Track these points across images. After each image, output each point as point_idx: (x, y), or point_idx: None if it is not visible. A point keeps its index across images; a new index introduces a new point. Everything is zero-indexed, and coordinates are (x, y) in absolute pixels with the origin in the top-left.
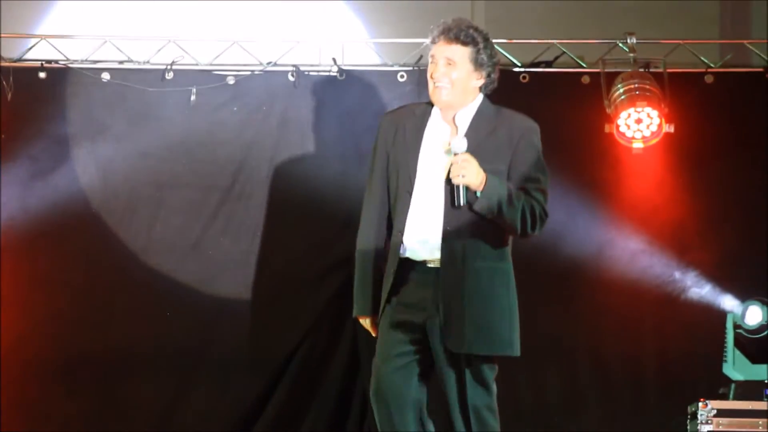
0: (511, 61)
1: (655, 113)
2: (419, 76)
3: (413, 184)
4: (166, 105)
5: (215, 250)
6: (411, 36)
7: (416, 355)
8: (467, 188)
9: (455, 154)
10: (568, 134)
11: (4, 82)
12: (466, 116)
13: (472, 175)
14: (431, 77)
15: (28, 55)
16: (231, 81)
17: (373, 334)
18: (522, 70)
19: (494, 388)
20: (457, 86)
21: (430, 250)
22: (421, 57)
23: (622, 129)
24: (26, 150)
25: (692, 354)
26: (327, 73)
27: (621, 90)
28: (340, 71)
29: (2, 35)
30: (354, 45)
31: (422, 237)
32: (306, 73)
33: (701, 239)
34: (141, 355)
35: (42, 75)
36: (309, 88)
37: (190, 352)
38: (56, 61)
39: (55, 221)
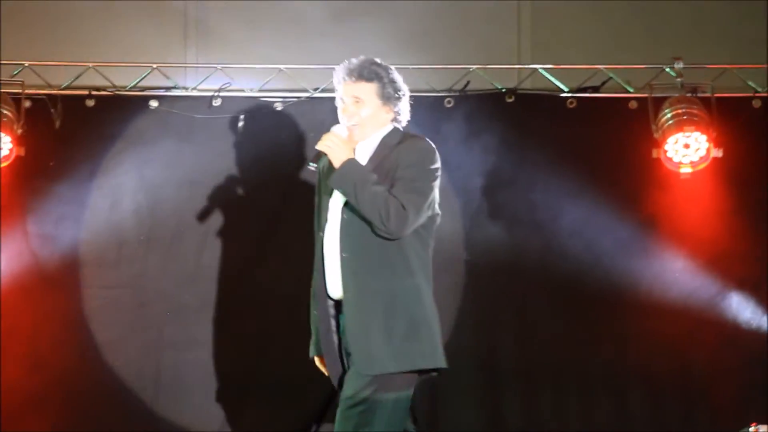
0: (558, 86)
1: (703, 138)
2: (466, 102)
3: (323, 225)
4: (213, 132)
5: (265, 276)
6: (458, 62)
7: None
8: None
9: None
10: (615, 159)
11: (53, 110)
12: (367, 148)
13: (336, 149)
14: (342, 117)
15: (75, 83)
16: (278, 107)
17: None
18: (569, 95)
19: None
20: (368, 123)
21: (337, 283)
22: (468, 83)
23: (670, 154)
24: (75, 177)
25: (743, 377)
26: None
27: (669, 115)
28: None
29: (51, 63)
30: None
31: (331, 275)
32: None
33: (749, 263)
34: (191, 379)
35: (90, 103)
36: None
37: (241, 377)
38: (104, 89)
39: (104, 248)
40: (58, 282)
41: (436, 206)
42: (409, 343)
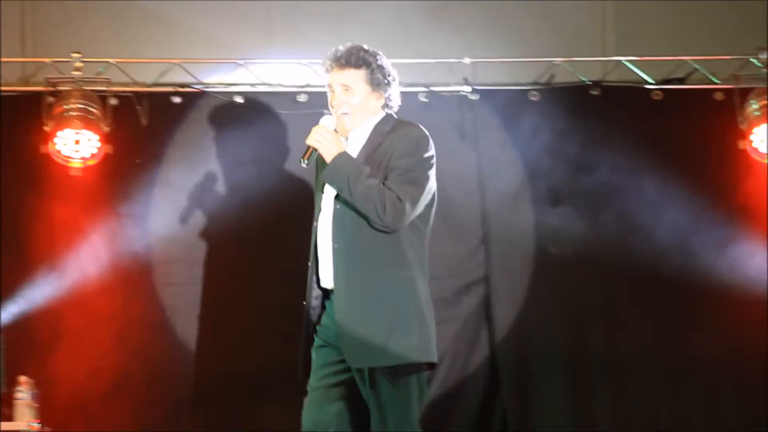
0: (643, 78)
1: None
2: (551, 95)
3: (317, 214)
4: (298, 128)
5: None
6: (542, 55)
7: (337, 380)
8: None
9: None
10: (701, 151)
11: (139, 108)
12: (359, 137)
13: (326, 143)
14: (331, 106)
15: (161, 80)
16: None
17: None
18: (654, 87)
19: (407, 399)
20: (358, 110)
21: (329, 274)
22: (553, 76)
23: (756, 145)
24: (162, 175)
25: None
26: (459, 93)
27: (755, 106)
28: (473, 90)
29: (137, 60)
30: (486, 64)
31: (324, 265)
32: (438, 93)
33: None
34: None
35: (176, 99)
36: (441, 108)
37: None
38: (190, 85)
39: (194, 245)
40: (143, 277)
41: (434, 195)
42: (399, 337)
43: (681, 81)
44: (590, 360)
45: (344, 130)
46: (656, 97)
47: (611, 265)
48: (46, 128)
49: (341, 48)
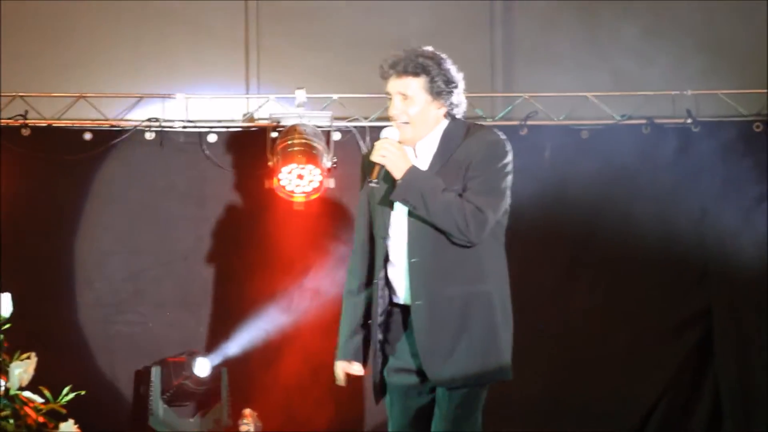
0: None
1: None
2: None
3: (388, 228)
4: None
5: (569, 300)
6: (762, 86)
7: (423, 401)
8: (389, 175)
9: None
10: None
11: (361, 142)
12: (429, 146)
13: (393, 158)
14: (390, 115)
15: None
16: (585, 135)
17: (339, 379)
18: None
19: (478, 420)
20: (418, 120)
21: (404, 288)
22: None
23: None
24: None
25: None
26: (681, 125)
27: None
28: (695, 122)
29: (359, 95)
30: (705, 96)
31: (397, 280)
32: (661, 125)
33: None
34: None
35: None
36: (664, 140)
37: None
38: None
39: None
40: None
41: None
42: (480, 357)
43: None
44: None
45: (405, 141)
46: None
47: None
48: (270, 163)
49: (400, 52)
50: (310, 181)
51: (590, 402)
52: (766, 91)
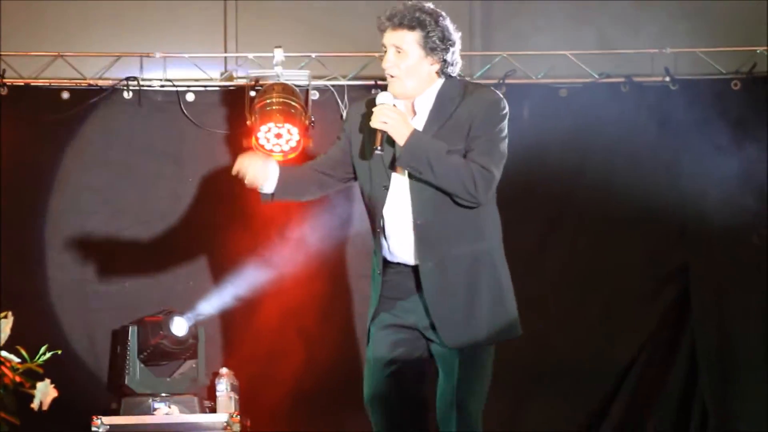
0: None
1: None
2: (753, 84)
3: (390, 178)
4: None
5: (552, 261)
6: (742, 44)
7: (410, 356)
8: (391, 140)
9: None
10: None
11: (340, 101)
12: (425, 103)
13: (394, 123)
14: (384, 69)
15: (361, 73)
16: (563, 93)
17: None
18: None
19: (489, 375)
20: (410, 75)
21: (408, 249)
22: (755, 64)
23: None
24: None
25: None
26: (660, 83)
27: None
28: (673, 81)
29: (335, 54)
30: (688, 54)
31: (399, 242)
32: (639, 83)
33: None
34: None
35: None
36: (642, 98)
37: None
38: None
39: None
40: (336, 271)
41: None
42: (494, 316)
43: None
44: None
45: (394, 93)
46: None
47: None
48: (248, 122)
49: (399, 5)
50: (288, 140)
51: (567, 361)
52: (744, 48)
